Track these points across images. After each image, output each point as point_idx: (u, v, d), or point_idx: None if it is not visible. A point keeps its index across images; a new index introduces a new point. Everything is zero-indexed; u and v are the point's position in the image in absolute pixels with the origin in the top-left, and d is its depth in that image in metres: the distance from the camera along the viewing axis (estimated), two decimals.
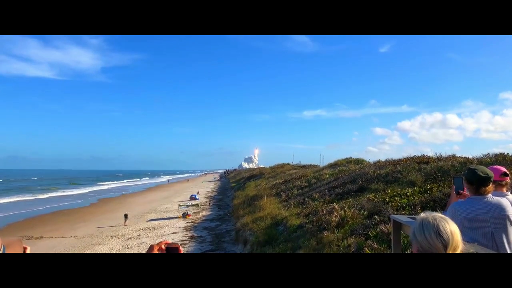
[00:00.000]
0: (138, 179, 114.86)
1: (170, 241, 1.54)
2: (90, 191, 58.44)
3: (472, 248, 1.68)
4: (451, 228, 1.50)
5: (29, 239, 19.15)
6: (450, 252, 1.47)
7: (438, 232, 1.48)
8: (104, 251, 16.38)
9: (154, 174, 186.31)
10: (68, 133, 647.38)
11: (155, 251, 1.47)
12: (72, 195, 51.75)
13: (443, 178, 9.73)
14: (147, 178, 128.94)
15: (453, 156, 13.20)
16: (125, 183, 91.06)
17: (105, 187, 72.26)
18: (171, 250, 1.49)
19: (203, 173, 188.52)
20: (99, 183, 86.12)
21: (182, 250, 1.50)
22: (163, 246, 1.49)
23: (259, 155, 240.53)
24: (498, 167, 3.01)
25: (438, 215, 1.56)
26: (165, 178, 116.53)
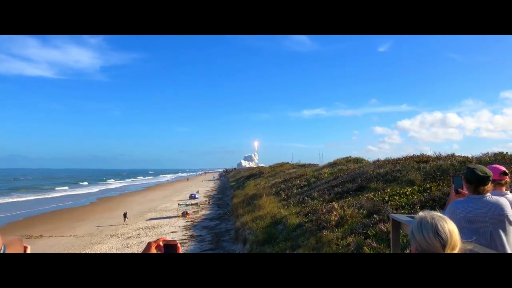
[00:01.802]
0: (143, 178, 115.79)
1: (168, 238, 1.54)
2: (99, 190, 59.22)
3: (471, 246, 1.67)
4: (450, 228, 1.49)
5: (29, 238, 19.15)
6: (448, 251, 1.46)
7: (436, 232, 1.47)
8: (104, 250, 16.38)
9: (157, 173, 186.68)
10: (68, 132, 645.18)
11: (153, 248, 1.47)
12: (83, 193, 52.15)
13: (442, 177, 9.74)
14: (152, 177, 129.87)
15: (453, 155, 13.22)
16: (130, 181, 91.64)
17: (113, 186, 72.87)
18: (169, 247, 1.48)
19: (203, 172, 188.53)
20: (106, 182, 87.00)
21: (180, 247, 1.50)
22: (161, 243, 1.49)
23: (258, 147, 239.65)
24: (497, 166, 3.01)
25: (437, 214, 1.55)
26: (168, 177, 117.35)
